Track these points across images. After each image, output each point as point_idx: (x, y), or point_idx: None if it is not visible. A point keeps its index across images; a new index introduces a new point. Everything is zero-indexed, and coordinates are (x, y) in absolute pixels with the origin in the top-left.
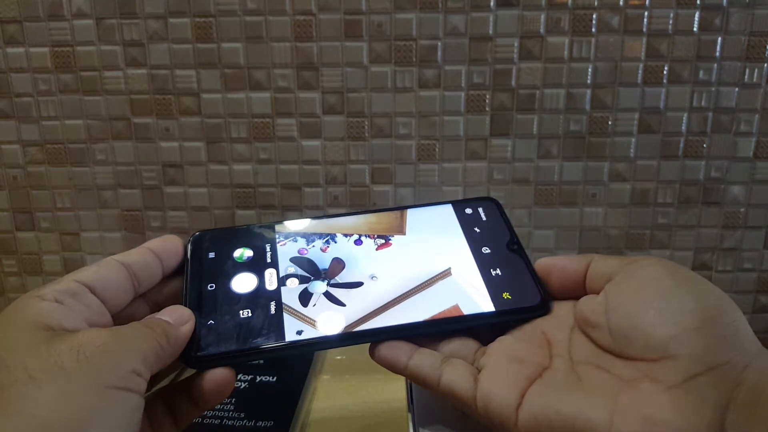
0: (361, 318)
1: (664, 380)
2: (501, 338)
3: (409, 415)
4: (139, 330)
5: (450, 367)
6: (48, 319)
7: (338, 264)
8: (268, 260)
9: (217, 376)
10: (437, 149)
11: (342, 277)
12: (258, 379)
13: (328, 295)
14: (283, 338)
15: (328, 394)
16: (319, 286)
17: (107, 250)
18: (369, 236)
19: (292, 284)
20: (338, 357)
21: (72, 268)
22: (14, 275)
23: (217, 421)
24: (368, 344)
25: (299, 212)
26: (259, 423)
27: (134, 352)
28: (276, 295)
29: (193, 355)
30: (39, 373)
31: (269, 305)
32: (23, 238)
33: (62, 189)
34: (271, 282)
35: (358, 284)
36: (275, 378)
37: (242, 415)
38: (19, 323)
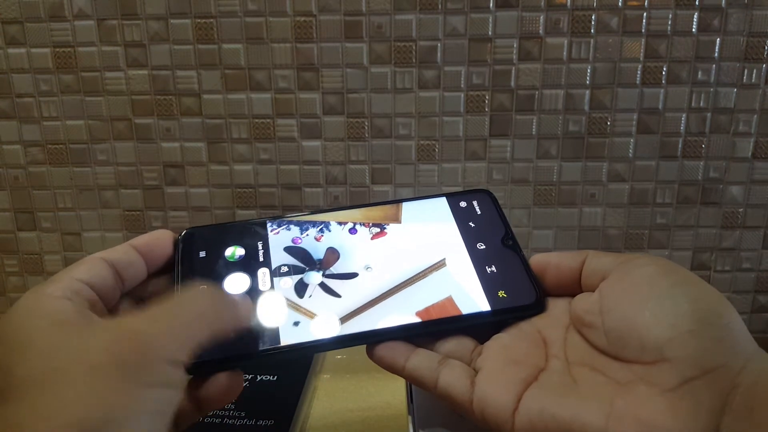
0: (356, 309)
1: (660, 384)
2: (497, 336)
3: (409, 416)
4: (188, 307)
5: (447, 369)
6: (66, 315)
7: (333, 254)
8: (261, 258)
9: (223, 380)
10: (437, 149)
11: (337, 268)
12: (258, 378)
13: (323, 286)
14: (279, 340)
15: (328, 393)
16: (314, 277)
17: None
18: (364, 225)
19: (287, 277)
20: (338, 356)
21: None
22: (15, 275)
23: (218, 420)
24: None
25: (300, 212)
26: (260, 422)
27: (173, 339)
28: (270, 294)
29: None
30: (64, 372)
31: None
32: (24, 238)
33: (63, 189)
34: (264, 281)
35: (353, 275)
36: (275, 377)
37: (243, 414)
38: (38, 321)
